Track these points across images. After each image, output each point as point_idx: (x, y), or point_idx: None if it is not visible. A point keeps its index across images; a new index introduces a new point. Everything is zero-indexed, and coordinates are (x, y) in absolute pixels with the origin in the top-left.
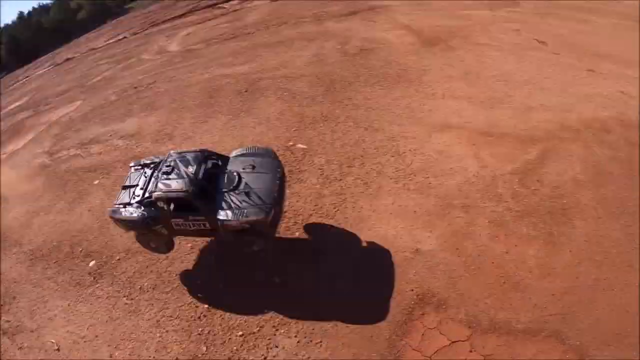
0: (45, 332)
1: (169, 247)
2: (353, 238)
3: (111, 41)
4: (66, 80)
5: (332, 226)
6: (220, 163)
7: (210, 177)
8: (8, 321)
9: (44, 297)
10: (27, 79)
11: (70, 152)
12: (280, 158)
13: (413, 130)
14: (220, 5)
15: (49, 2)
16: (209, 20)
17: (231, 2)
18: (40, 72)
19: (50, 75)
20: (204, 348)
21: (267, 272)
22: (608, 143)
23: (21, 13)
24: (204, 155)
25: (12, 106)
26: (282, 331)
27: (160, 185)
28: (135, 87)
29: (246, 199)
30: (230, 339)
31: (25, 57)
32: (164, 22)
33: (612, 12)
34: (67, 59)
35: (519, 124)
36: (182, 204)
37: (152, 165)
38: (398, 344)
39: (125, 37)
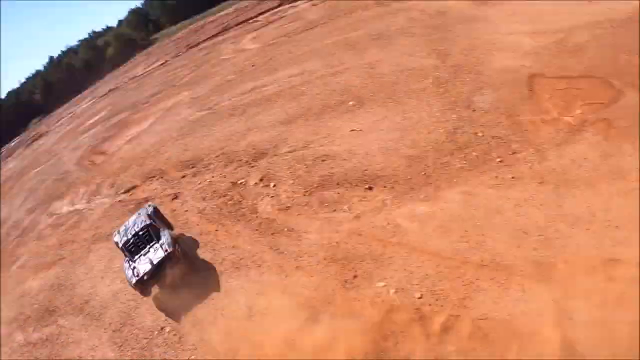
0: None
1: None
2: None
3: (151, 67)
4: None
5: None
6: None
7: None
8: None
9: None
10: (72, 114)
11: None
12: None
13: None
14: (254, 19)
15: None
16: (264, 26)
17: (264, 15)
18: (85, 105)
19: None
20: None
21: None
22: None
23: (51, 57)
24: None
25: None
26: None
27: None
28: (253, 65)
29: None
30: None
31: (59, 97)
32: (203, 41)
33: None
34: (110, 90)
35: None
36: None
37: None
38: None
39: (166, 61)
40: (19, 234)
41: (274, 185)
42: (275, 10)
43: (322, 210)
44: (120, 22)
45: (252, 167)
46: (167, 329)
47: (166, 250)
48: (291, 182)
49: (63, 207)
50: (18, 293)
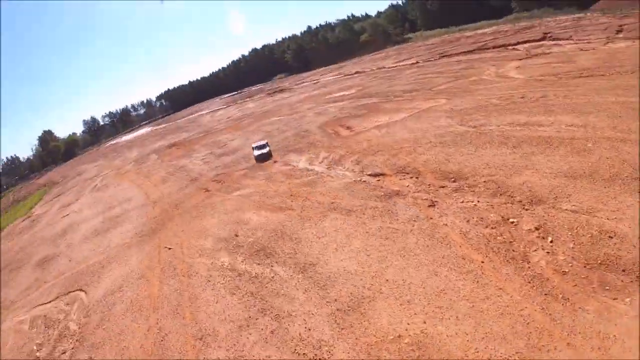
0: None
1: None
2: None
3: (401, 64)
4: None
5: None
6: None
7: None
8: None
9: None
10: (315, 82)
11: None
12: None
13: None
14: (513, 47)
15: (334, 21)
16: (528, 57)
17: (524, 46)
18: (329, 78)
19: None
20: None
21: None
22: None
23: (309, 27)
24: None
25: (344, 93)
26: None
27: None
28: (522, 97)
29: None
30: None
31: (306, 64)
32: (458, 54)
33: None
34: (357, 72)
35: None
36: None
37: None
38: None
39: (418, 63)
40: (248, 166)
41: (551, 241)
42: (538, 43)
43: (602, 292)
44: (379, 13)
45: (526, 209)
46: (406, 340)
47: (268, 151)
48: (571, 245)
49: (300, 161)
50: (234, 219)
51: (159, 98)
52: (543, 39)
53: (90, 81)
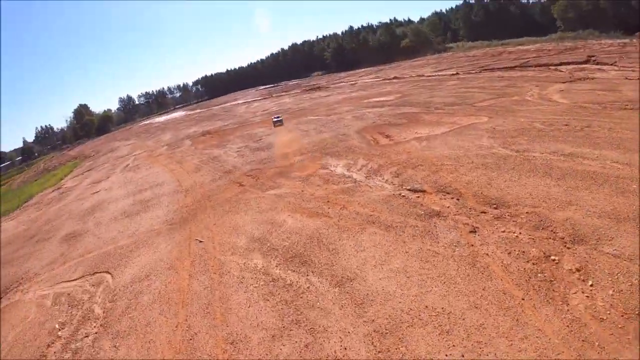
0: None
1: None
2: None
3: (440, 74)
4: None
5: None
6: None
7: None
8: None
9: None
10: (353, 83)
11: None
12: None
13: None
14: (556, 67)
15: (376, 24)
16: (571, 81)
17: (567, 67)
18: (367, 80)
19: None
20: None
21: None
22: None
23: (351, 27)
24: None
25: (383, 99)
26: None
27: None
28: (566, 125)
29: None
30: None
31: (343, 64)
32: (500, 69)
33: None
34: (395, 77)
35: None
36: None
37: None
38: None
39: (458, 74)
40: (285, 164)
41: (592, 285)
42: (581, 66)
43: (636, 342)
44: (422, 19)
45: (568, 248)
46: None
47: (280, 120)
48: (611, 292)
49: (337, 166)
50: (268, 218)
51: (195, 83)
52: (587, 62)
53: (130, 62)
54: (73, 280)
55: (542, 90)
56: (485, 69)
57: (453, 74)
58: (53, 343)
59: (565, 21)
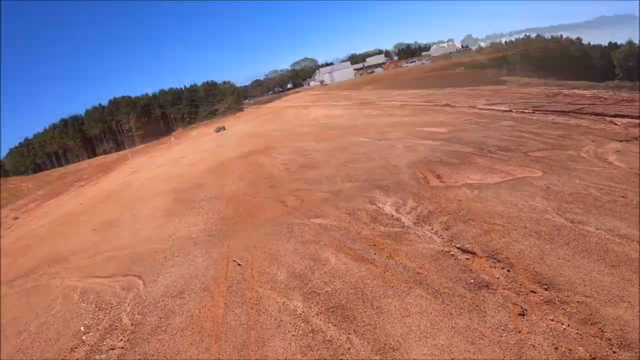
0: None
1: None
2: None
3: (492, 108)
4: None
5: None
6: None
7: None
8: None
9: None
10: (405, 104)
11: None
12: None
13: None
14: (611, 119)
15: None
16: (627, 140)
17: (622, 121)
18: (417, 102)
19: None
20: None
21: None
22: None
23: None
24: None
25: (436, 130)
26: None
27: None
28: (624, 197)
29: None
30: None
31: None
32: (554, 112)
33: None
34: (447, 104)
35: None
36: None
37: None
38: None
39: (511, 111)
40: (332, 190)
41: None
42: (636, 121)
43: None
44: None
45: (614, 352)
46: None
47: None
48: None
49: (386, 204)
50: (310, 252)
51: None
52: None
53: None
54: (103, 277)
55: (597, 147)
56: (539, 110)
57: (506, 110)
58: (76, 348)
59: (624, 69)
